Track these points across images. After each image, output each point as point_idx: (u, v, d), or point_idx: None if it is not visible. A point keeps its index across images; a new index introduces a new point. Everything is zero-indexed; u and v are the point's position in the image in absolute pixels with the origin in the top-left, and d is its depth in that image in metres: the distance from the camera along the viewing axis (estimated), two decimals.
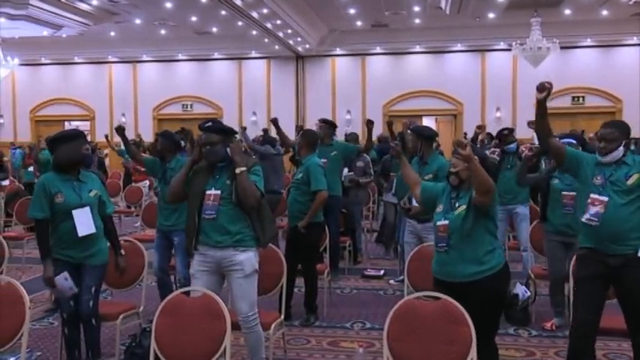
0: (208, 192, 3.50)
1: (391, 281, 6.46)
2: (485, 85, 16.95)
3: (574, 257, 3.77)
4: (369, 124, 6.65)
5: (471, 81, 16.87)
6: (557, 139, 3.72)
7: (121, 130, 5.48)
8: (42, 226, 3.77)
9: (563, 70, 15.68)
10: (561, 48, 13.79)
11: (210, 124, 3.63)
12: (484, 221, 3.20)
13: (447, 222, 3.23)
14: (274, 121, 7.17)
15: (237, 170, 3.42)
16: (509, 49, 14.45)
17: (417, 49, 17.07)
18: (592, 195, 3.31)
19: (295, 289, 5.29)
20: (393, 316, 2.88)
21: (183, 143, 5.57)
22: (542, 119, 3.40)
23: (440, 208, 3.33)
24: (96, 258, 3.84)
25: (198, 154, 3.57)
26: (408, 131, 5.92)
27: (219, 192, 3.49)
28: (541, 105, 3.34)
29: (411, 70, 17.31)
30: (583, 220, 3.33)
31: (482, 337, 3.09)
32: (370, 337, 4.71)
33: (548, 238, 4.76)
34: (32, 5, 12.41)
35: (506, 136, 5.92)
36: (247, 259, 3.48)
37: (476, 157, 3.09)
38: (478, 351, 3.11)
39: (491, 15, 14.34)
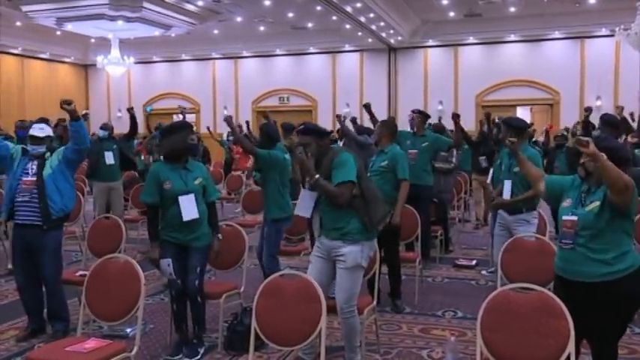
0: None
1: (483, 272, 6.27)
2: (585, 73, 15.93)
3: None
4: (456, 117, 6.47)
5: (569, 69, 15.91)
6: None
7: (229, 120, 5.50)
8: (151, 210, 4.01)
9: None
10: None
11: (302, 127, 3.72)
12: (620, 220, 2.82)
13: (575, 218, 2.88)
14: (367, 106, 7.06)
15: (312, 181, 3.43)
16: (612, 35, 13.45)
17: (512, 37, 16.34)
18: None
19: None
20: (487, 306, 2.78)
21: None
22: None
23: (567, 203, 2.98)
24: (200, 240, 4.02)
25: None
26: (495, 120, 5.69)
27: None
28: None
29: (505, 60, 16.60)
30: None
31: (606, 340, 2.90)
32: (462, 327, 4.60)
33: None
34: (145, 8, 13.12)
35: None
36: (350, 252, 3.47)
37: (602, 155, 2.69)
38: (598, 353, 2.93)
39: (591, 0, 13.44)
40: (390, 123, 5.47)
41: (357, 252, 3.49)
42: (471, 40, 16.69)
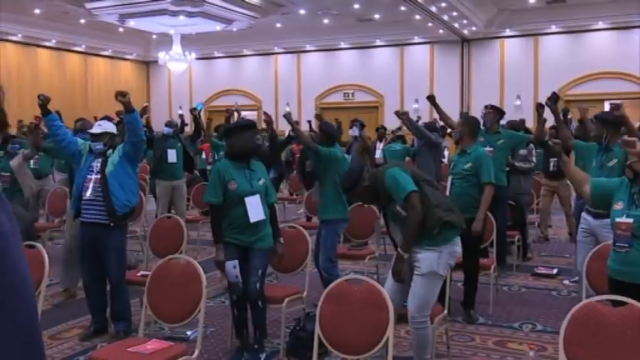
0: None
1: (565, 281, 6.05)
2: None
3: None
4: (540, 108, 6.18)
5: None
6: None
7: (288, 116, 5.45)
8: (216, 210, 4.06)
9: None
10: None
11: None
12: None
13: (630, 220, 2.94)
14: (431, 98, 6.71)
15: (403, 256, 3.47)
16: None
17: (600, 25, 15.66)
18: None
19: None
20: (571, 318, 2.69)
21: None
22: None
23: (619, 205, 3.04)
24: (263, 242, 4.08)
25: None
26: (592, 119, 5.45)
27: None
28: None
29: (591, 50, 15.94)
30: None
31: None
32: (541, 340, 4.46)
33: None
34: (207, 2, 13.49)
35: None
36: (426, 258, 3.46)
37: None
38: None
39: None
40: (472, 121, 5.30)
41: (433, 258, 3.46)
42: (553, 29, 16.14)
